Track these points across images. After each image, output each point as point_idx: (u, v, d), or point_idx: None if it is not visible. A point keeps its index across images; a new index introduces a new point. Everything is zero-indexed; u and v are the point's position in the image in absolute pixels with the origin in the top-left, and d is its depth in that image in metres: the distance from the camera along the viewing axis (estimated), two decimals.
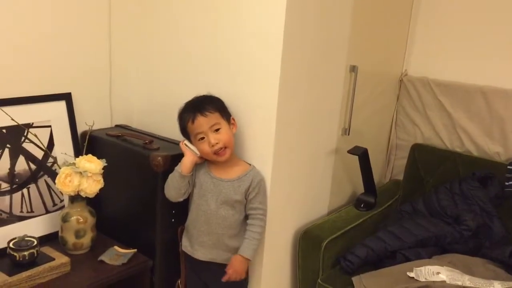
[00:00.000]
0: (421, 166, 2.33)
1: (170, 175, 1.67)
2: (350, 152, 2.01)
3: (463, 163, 2.22)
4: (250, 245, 1.67)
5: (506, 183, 2.05)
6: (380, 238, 1.91)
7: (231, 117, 1.67)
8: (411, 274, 1.72)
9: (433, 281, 1.68)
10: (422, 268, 1.74)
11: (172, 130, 1.80)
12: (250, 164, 1.70)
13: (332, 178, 2.08)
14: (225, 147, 1.61)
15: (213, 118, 1.61)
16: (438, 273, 1.71)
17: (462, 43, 2.28)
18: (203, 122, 1.60)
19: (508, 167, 2.07)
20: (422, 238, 1.91)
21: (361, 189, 2.17)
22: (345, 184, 2.21)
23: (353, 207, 2.12)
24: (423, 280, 1.69)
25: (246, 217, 1.69)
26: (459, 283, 1.67)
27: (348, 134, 2.05)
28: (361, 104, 2.10)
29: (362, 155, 2.02)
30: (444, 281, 1.68)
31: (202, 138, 1.62)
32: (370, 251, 1.86)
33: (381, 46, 2.22)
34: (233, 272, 1.66)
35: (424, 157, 2.33)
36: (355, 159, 2.04)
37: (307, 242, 1.86)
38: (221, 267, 1.70)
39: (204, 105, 1.62)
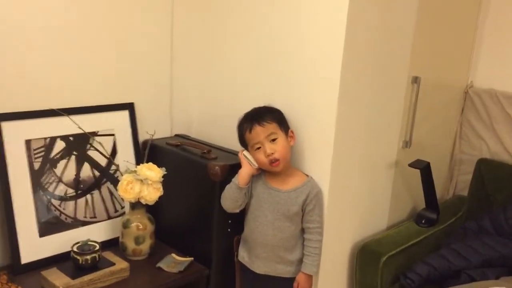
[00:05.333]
0: (488, 182, 2.22)
1: (227, 186, 1.67)
2: (411, 165, 1.95)
3: None
4: (312, 261, 1.66)
5: None
6: (443, 256, 1.83)
7: (289, 130, 1.67)
8: None
9: None
10: None
11: (230, 141, 1.82)
12: (307, 175, 1.68)
13: (392, 191, 2.02)
14: (278, 159, 1.60)
15: (270, 128, 1.61)
16: None
17: None
18: (260, 132, 1.60)
19: None
20: (489, 258, 1.81)
21: (422, 204, 2.09)
22: (405, 199, 2.14)
23: (413, 223, 2.05)
24: None
25: (302, 229, 1.67)
26: None
27: (409, 147, 1.99)
28: (423, 116, 2.03)
29: (425, 168, 1.95)
30: None
31: (259, 148, 1.62)
32: (432, 269, 1.78)
33: (445, 57, 2.15)
34: None
35: (491, 173, 2.21)
36: (416, 172, 1.97)
37: (365, 257, 1.81)
38: (277, 280, 1.69)
39: (262, 115, 1.63)
